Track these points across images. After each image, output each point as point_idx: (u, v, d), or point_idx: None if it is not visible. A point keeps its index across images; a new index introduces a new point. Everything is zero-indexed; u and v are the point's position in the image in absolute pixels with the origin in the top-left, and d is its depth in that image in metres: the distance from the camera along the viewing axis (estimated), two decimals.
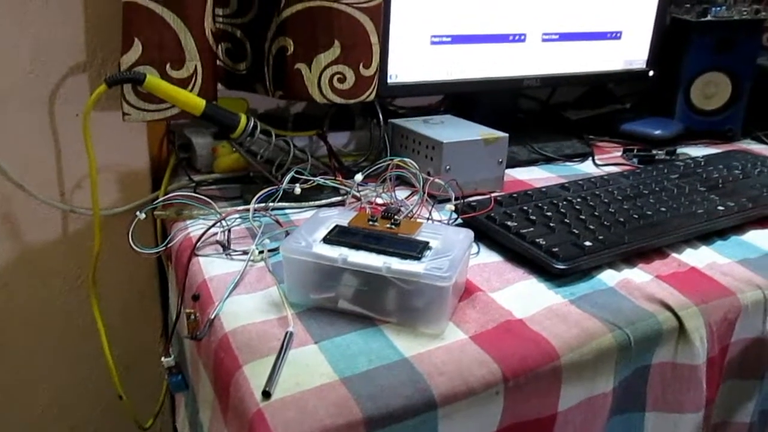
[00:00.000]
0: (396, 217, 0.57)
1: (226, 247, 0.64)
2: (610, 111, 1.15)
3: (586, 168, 0.95)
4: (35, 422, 0.88)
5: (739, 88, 1.07)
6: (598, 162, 0.97)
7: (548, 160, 0.97)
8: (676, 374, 0.57)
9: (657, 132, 1.05)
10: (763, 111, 1.09)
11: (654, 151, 0.99)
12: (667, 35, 1.07)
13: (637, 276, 0.62)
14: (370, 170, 0.73)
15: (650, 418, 0.58)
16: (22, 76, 0.73)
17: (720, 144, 1.08)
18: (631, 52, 1.06)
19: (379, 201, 0.75)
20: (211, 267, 0.61)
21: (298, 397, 0.44)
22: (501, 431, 0.49)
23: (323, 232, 0.55)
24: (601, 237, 0.64)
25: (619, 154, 1.01)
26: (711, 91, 1.08)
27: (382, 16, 0.76)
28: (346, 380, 0.45)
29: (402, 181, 0.81)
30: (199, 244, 0.64)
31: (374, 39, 0.76)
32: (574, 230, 0.65)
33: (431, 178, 0.69)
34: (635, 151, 0.99)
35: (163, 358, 0.65)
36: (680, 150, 1.01)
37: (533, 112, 1.17)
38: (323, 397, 0.44)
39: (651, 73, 1.09)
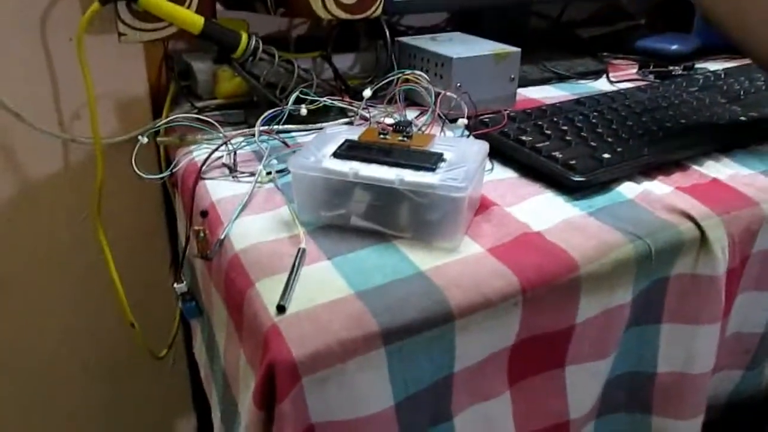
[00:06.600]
0: (408, 129, 0.54)
1: (232, 169, 0.63)
2: (623, 28, 1.11)
3: (601, 85, 0.92)
4: (46, 358, 0.89)
5: None
6: (612, 79, 0.93)
7: (561, 79, 0.93)
8: (695, 286, 0.56)
9: (674, 47, 1.01)
10: None
11: (671, 67, 0.95)
12: None
13: (657, 188, 0.60)
14: (379, 85, 0.70)
15: (665, 330, 0.57)
16: None
17: (739, 59, 1.04)
18: None
19: (389, 121, 0.73)
20: (218, 189, 0.60)
21: (312, 311, 0.43)
22: (517, 344, 0.49)
23: (333, 147, 0.53)
24: (619, 149, 0.62)
25: (634, 71, 0.98)
26: None
27: None
28: (361, 294, 0.44)
29: (411, 102, 0.78)
30: (204, 167, 0.63)
31: None
32: (591, 143, 0.63)
33: (443, 92, 0.66)
34: (651, 67, 0.96)
35: (175, 285, 0.64)
36: (698, 65, 0.98)
37: (544, 31, 1.13)
38: (338, 311, 0.43)
39: None
